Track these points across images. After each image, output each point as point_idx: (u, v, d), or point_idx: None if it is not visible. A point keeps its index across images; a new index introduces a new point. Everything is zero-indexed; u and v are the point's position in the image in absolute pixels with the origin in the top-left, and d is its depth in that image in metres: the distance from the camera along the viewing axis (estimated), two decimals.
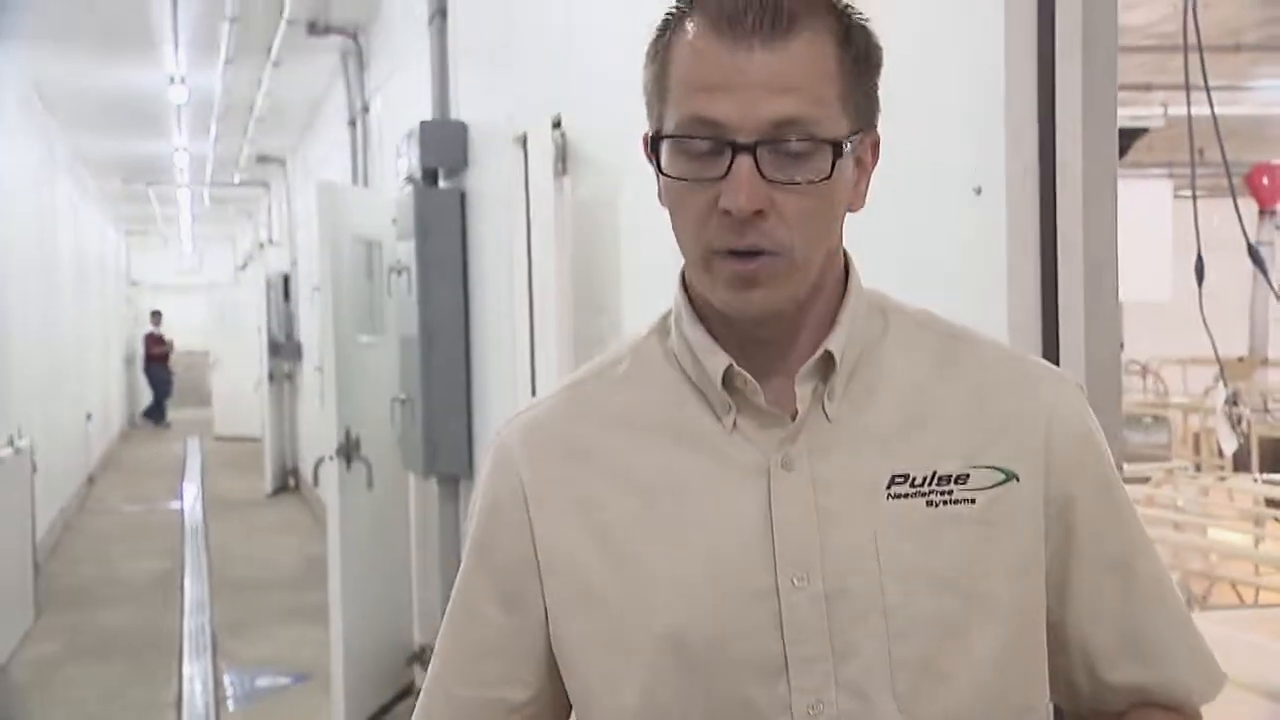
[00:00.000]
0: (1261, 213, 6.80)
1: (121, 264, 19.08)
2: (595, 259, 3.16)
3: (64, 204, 10.91)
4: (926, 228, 1.69)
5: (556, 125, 3.28)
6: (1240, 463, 5.55)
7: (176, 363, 19.69)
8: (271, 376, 11.89)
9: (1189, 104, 2.74)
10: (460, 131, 4.56)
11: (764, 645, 0.94)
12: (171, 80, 7.66)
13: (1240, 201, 3.08)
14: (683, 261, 0.99)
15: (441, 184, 4.72)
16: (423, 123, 4.66)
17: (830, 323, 0.99)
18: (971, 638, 0.95)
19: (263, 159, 11.15)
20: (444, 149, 4.57)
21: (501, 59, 3.97)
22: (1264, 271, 3.35)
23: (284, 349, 11.24)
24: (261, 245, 14.18)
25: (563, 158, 3.26)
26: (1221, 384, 3.54)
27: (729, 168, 0.90)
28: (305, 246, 9.58)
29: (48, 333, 9.17)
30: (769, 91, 0.90)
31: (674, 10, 0.96)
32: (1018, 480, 0.97)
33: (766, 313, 0.95)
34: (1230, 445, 3.69)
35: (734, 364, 0.96)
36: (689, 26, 0.94)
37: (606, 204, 3.05)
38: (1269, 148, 7.88)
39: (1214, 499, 4.50)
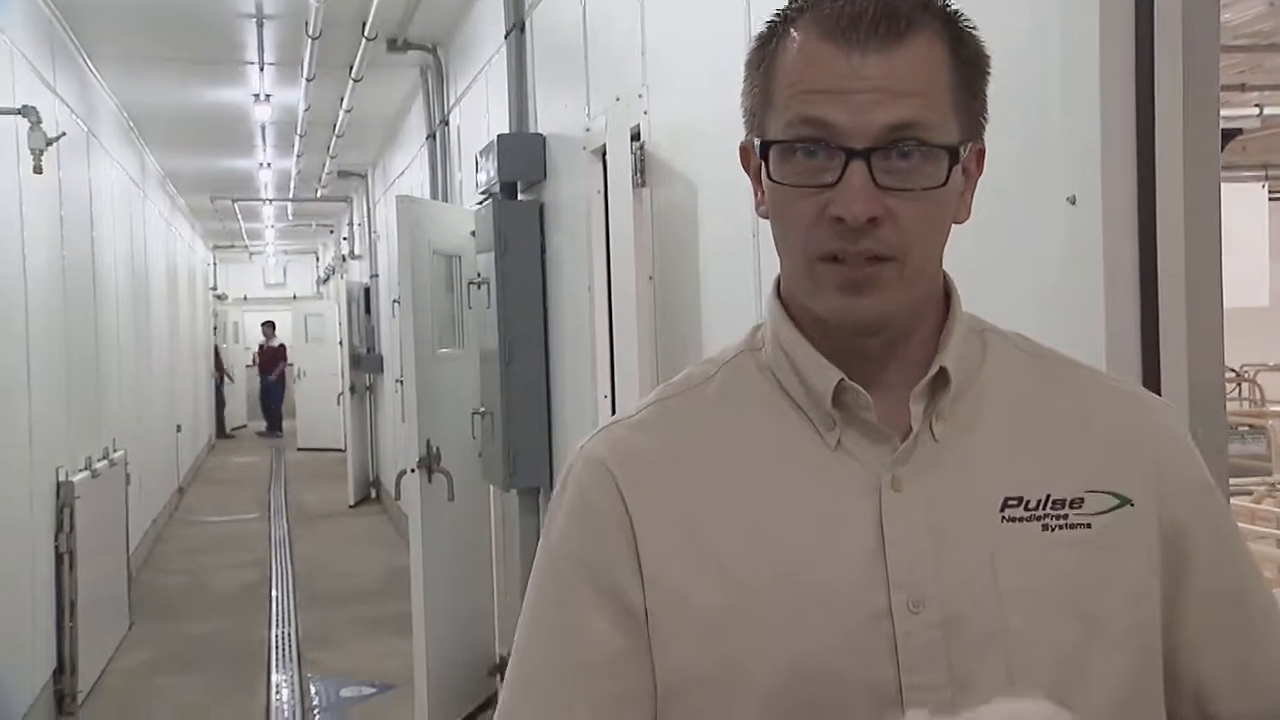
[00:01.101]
0: None
1: (209, 278, 19.52)
2: (675, 270, 3.14)
3: (155, 220, 11.19)
4: (1018, 239, 1.64)
5: (635, 137, 3.27)
6: None
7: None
8: (353, 388, 12.04)
9: None
10: (538, 144, 4.57)
11: (878, 672, 0.90)
12: (256, 98, 7.81)
13: None
14: (776, 273, 0.96)
15: (520, 196, 4.73)
16: (501, 135, 4.68)
17: (934, 339, 0.96)
18: (1093, 666, 0.92)
19: (344, 173, 11.32)
20: (522, 161, 4.58)
21: (578, 71, 3.98)
22: None
23: (365, 361, 11.37)
24: (343, 258, 14.40)
25: (641, 169, 3.24)
26: None
27: (842, 174, 0.88)
28: (385, 259, 9.71)
29: (140, 346, 9.39)
30: (883, 96, 0.87)
31: (779, 16, 0.94)
32: (1132, 505, 0.94)
33: (875, 321, 0.92)
34: None
35: (845, 378, 0.93)
36: (797, 32, 0.91)
37: (685, 215, 3.03)
38: None
39: None
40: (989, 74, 0.94)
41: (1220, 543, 0.98)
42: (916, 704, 0.89)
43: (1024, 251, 1.64)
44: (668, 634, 0.94)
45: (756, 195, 0.95)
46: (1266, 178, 7.74)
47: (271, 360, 19.11)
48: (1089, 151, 1.49)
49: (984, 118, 0.94)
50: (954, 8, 0.93)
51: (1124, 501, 0.94)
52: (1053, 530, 0.92)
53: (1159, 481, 0.96)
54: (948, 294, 0.98)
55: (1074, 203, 1.53)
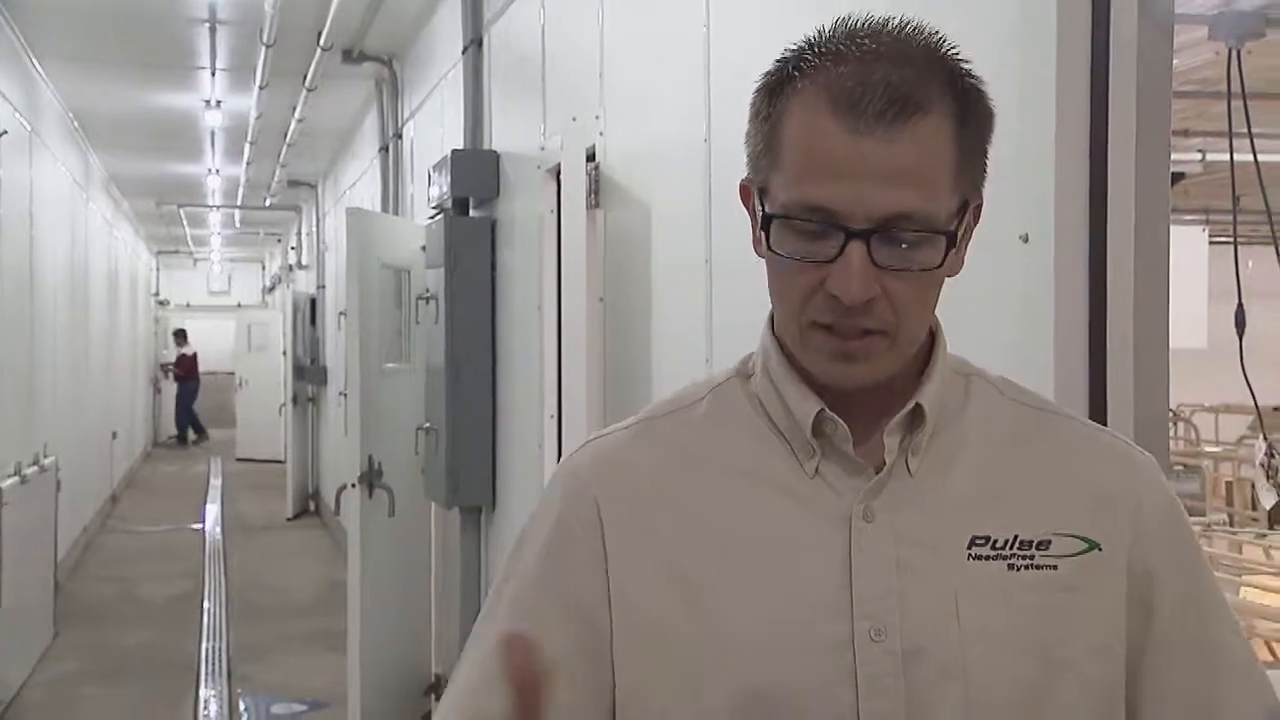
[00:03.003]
0: None
1: (151, 284, 19.23)
2: (626, 293, 3.14)
3: (97, 223, 11.00)
4: (970, 276, 1.65)
5: (590, 158, 3.27)
6: (1276, 515, 5.45)
7: (201, 384, 19.74)
8: (295, 400, 11.91)
9: (1231, 150, 2.70)
10: (492, 161, 4.56)
11: (837, 698, 0.90)
12: (207, 104, 7.73)
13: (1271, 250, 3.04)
14: (769, 309, 0.98)
15: (472, 213, 4.71)
16: (455, 151, 4.66)
17: (918, 377, 0.97)
18: (1051, 707, 0.92)
19: (294, 183, 11.22)
20: (475, 178, 4.56)
21: (535, 90, 3.97)
22: None
23: (309, 373, 11.26)
24: (290, 268, 14.26)
25: (596, 191, 3.24)
26: (1261, 437, 3.47)
27: (840, 252, 0.89)
28: (333, 271, 9.62)
29: (77, 350, 9.22)
30: (887, 182, 0.88)
31: (788, 68, 0.93)
32: (1100, 550, 0.95)
33: (865, 385, 0.94)
34: (1269, 500, 3.62)
35: (825, 409, 0.95)
36: (806, 94, 0.91)
37: (638, 238, 3.03)
38: None
39: (1248, 555, 4.41)
40: (993, 130, 0.95)
41: (1193, 593, 0.98)
42: None
43: (976, 287, 1.65)
44: (630, 651, 0.95)
45: (755, 233, 0.96)
46: (1208, 222, 7.90)
47: (188, 368, 18.90)
48: (1043, 190, 1.51)
49: (984, 172, 0.95)
50: (965, 69, 0.92)
51: (1092, 546, 0.94)
52: (1018, 570, 0.93)
53: (1133, 529, 0.96)
54: (933, 334, 0.99)
55: (1027, 240, 1.54)
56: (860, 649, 0.91)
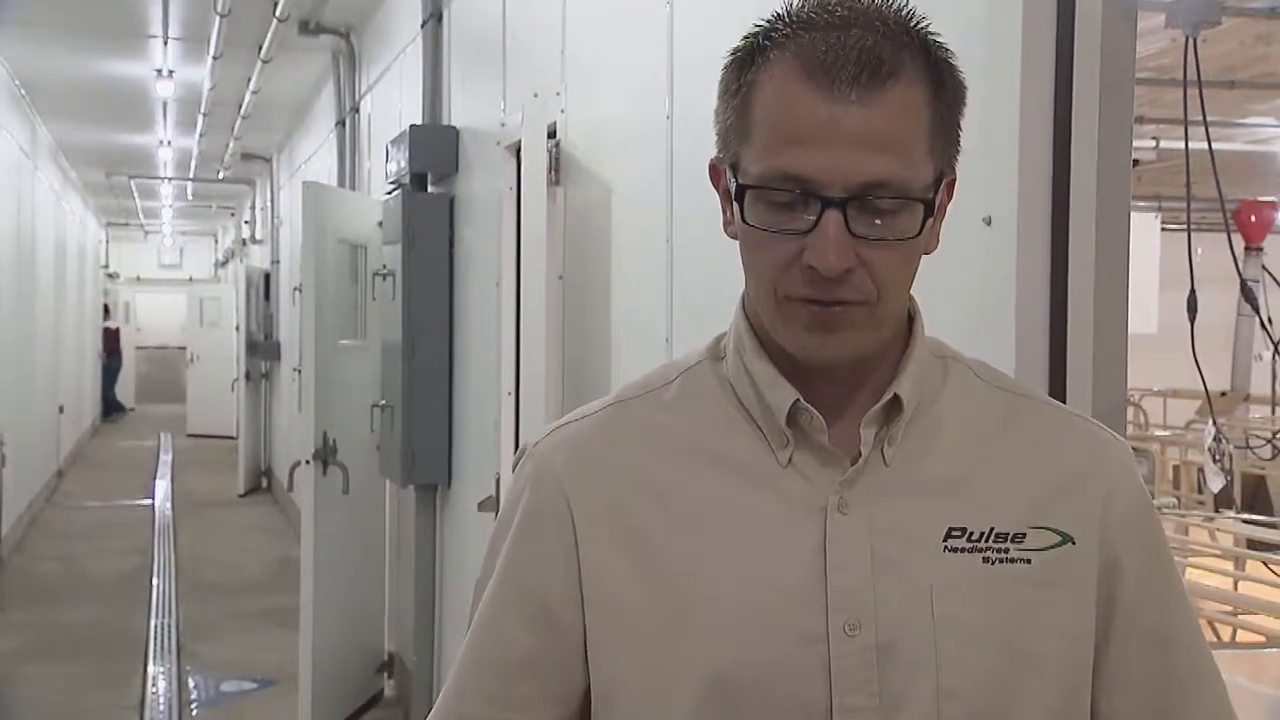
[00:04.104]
0: (1248, 249, 6.82)
1: (100, 256, 18.91)
2: (586, 271, 3.12)
3: (45, 193, 10.80)
4: (932, 258, 1.65)
5: (551, 135, 3.24)
6: (1221, 500, 5.55)
7: (151, 358, 19.51)
8: (248, 376, 11.78)
9: (1187, 138, 2.73)
10: (451, 137, 4.51)
11: (810, 691, 0.90)
12: (159, 73, 7.58)
13: (1225, 238, 3.07)
14: (741, 290, 0.96)
15: (431, 189, 4.67)
16: (413, 126, 4.61)
17: (895, 365, 0.96)
18: (1021, 701, 0.92)
19: (248, 156, 11.06)
20: (434, 154, 4.52)
21: (496, 65, 3.93)
22: (1256, 308, 3.34)
23: (262, 348, 11.14)
24: (244, 243, 14.08)
25: (556, 168, 3.22)
26: (1211, 422, 3.53)
27: (817, 222, 0.87)
28: (288, 246, 9.51)
29: (23, 322, 9.05)
30: (863, 149, 0.86)
31: (758, 40, 0.91)
32: (1074, 544, 0.94)
33: (842, 359, 0.92)
34: (1217, 484, 3.68)
35: (800, 399, 0.93)
36: (777, 65, 0.89)
37: (599, 217, 3.02)
38: (1256, 184, 7.92)
39: (1194, 537, 4.48)
40: (965, 104, 0.94)
41: (1154, 583, 0.98)
42: None
43: (938, 269, 1.65)
44: (603, 641, 0.94)
45: (725, 214, 0.94)
46: (1160, 209, 8.00)
47: (110, 344, 18.65)
48: (1005, 174, 1.51)
49: (958, 147, 0.94)
50: (937, 41, 0.92)
51: (1066, 539, 0.94)
52: (993, 563, 0.93)
53: (1104, 520, 0.96)
54: (912, 317, 0.98)
55: (990, 223, 1.54)
56: (835, 643, 0.90)
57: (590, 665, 0.95)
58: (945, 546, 0.92)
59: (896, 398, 0.94)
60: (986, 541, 0.93)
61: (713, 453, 0.96)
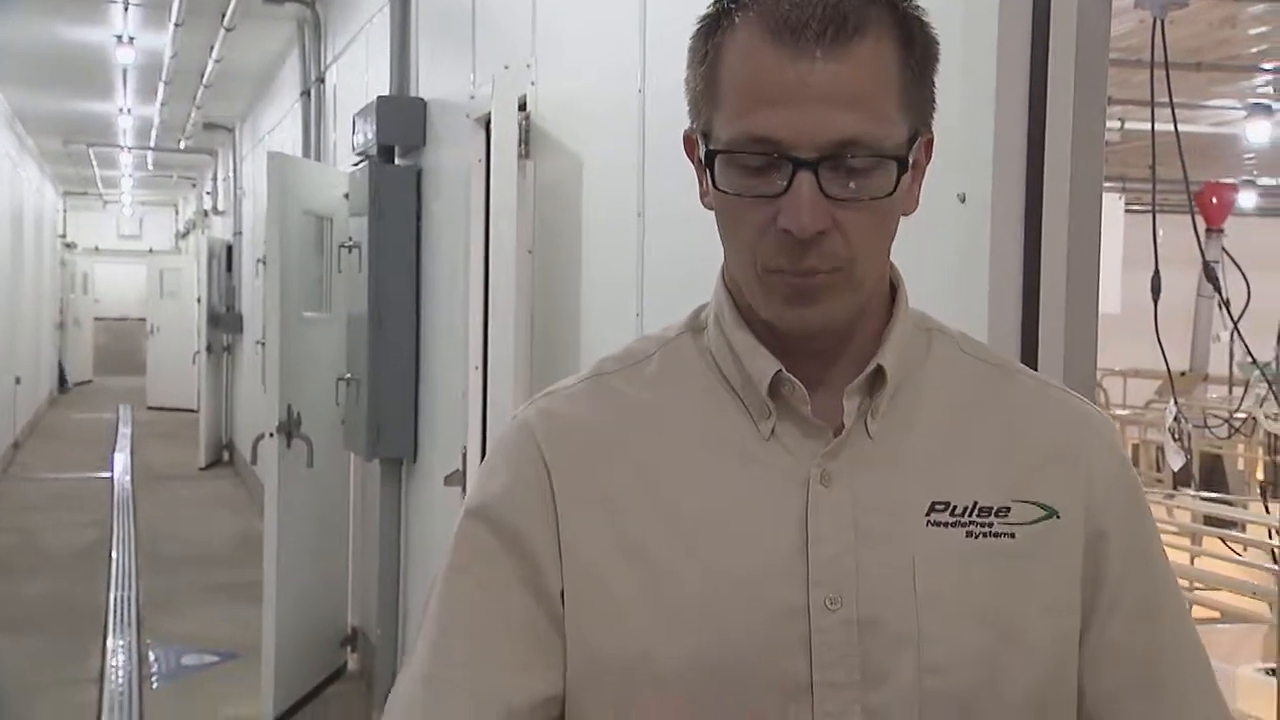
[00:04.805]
0: (1209, 231, 6.89)
1: (58, 226, 18.64)
2: (555, 245, 3.11)
3: (1, 160, 10.62)
4: (906, 234, 1.66)
5: (522, 107, 3.22)
6: (1179, 478, 5.62)
7: (110, 329, 19.28)
8: (210, 348, 11.68)
9: (1153, 120, 2.75)
10: (419, 108, 4.47)
11: (790, 666, 0.89)
12: (119, 40, 7.46)
13: (1186, 219, 3.10)
14: (722, 261, 0.95)
15: (398, 161, 4.63)
16: (380, 98, 4.56)
17: (878, 336, 0.95)
18: (1005, 675, 0.92)
19: (210, 126, 10.92)
20: (401, 125, 4.47)
21: (465, 36, 3.90)
22: (1218, 289, 3.38)
23: (224, 321, 11.04)
24: (205, 213, 13.92)
25: (526, 141, 3.19)
26: (1172, 401, 3.57)
27: (789, 184, 0.86)
28: (251, 217, 9.41)
29: None
30: (832, 107, 0.85)
31: (724, 4, 0.90)
32: (1058, 518, 0.94)
33: (823, 327, 0.91)
34: (1177, 462, 3.73)
35: (783, 370, 0.92)
36: (743, 28, 0.88)
37: (569, 190, 3.00)
38: (1218, 167, 8.00)
39: (1153, 514, 4.53)
40: (938, 61, 0.93)
41: (1138, 554, 0.97)
42: (827, 699, 0.89)
43: (913, 245, 1.66)
44: (581, 613, 0.93)
45: (701, 185, 0.93)
46: (1124, 190, 8.07)
47: None
48: (980, 152, 1.52)
49: (933, 105, 0.93)
50: None
51: (1050, 513, 0.94)
52: (976, 538, 0.92)
53: (1088, 494, 0.95)
54: (895, 288, 0.97)
55: (964, 201, 1.55)
56: (815, 617, 0.89)
57: (568, 639, 0.93)
58: (928, 521, 0.91)
59: (880, 369, 0.93)
60: (970, 516, 0.92)
61: (693, 426, 0.95)
